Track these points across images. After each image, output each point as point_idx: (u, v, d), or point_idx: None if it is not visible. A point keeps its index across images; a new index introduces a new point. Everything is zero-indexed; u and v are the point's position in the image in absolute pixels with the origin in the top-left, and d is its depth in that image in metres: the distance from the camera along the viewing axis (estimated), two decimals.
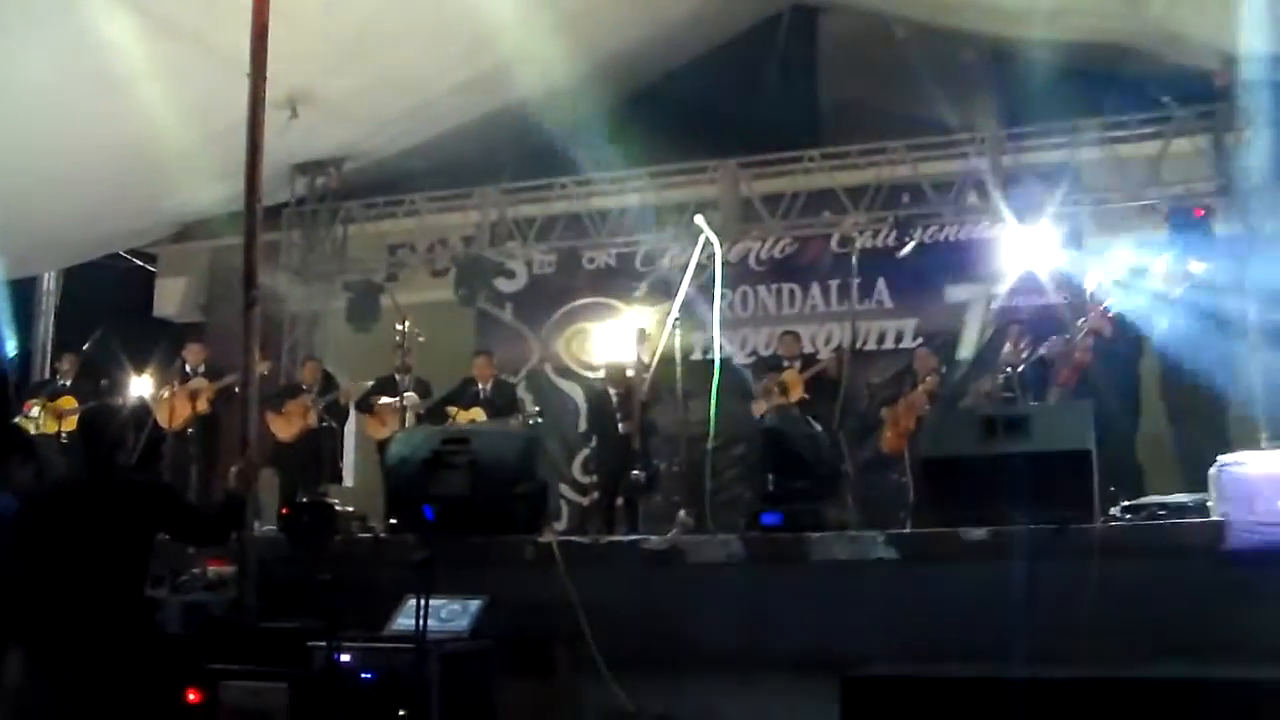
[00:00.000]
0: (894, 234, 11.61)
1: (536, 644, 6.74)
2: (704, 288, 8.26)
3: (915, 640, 6.32)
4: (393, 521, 7.69)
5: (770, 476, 7.36)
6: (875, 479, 11.41)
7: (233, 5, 6.82)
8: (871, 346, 12.52)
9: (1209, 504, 6.86)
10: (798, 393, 11.12)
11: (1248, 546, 6.11)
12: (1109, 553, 6.23)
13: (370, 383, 11.89)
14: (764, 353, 12.55)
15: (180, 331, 13.56)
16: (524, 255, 13.21)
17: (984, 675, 5.51)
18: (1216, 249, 10.38)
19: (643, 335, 9.83)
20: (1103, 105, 11.15)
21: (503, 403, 11.66)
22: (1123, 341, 9.60)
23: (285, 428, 11.64)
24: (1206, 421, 9.30)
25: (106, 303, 14.03)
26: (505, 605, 6.64)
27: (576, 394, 13.57)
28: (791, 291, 13.05)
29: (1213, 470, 6.83)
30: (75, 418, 11.15)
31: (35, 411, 11.65)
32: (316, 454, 11.80)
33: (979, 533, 6.55)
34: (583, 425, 13.10)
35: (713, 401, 7.85)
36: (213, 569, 7.50)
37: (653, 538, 7.54)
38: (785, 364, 11.52)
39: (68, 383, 11.91)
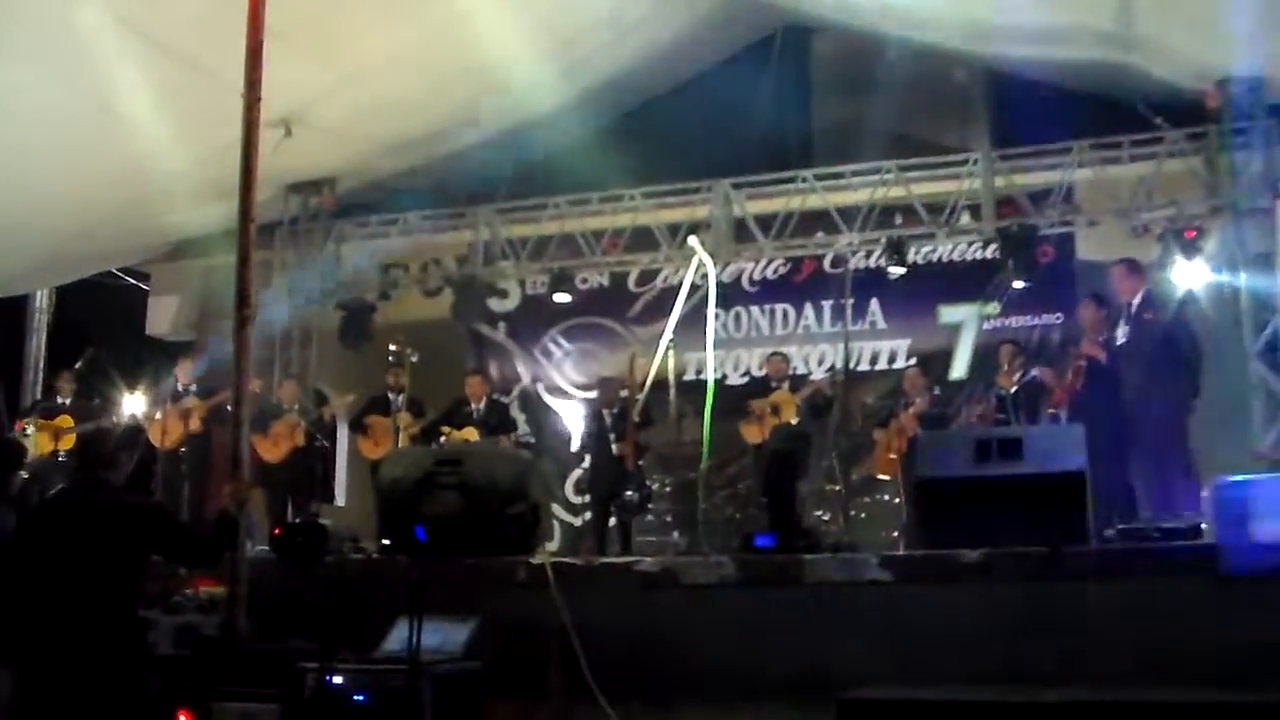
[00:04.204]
0: (887, 254, 11.57)
1: (529, 666, 6.72)
2: (697, 308, 8.25)
3: (910, 662, 6.31)
4: (385, 542, 7.65)
5: (767, 498, 7.37)
6: (868, 500, 11.40)
7: (227, 27, 6.82)
8: (865, 367, 12.55)
9: (1203, 526, 6.88)
10: (790, 414, 11.11)
11: (1243, 568, 6.11)
12: (1103, 575, 6.23)
13: (352, 397, 11.90)
14: (757, 373, 12.50)
15: (173, 350, 13.51)
16: (517, 275, 13.20)
17: (979, 698, 5.49)
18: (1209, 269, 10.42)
19: (636, 355, 9.82)
20: (1095, 126, 11.17)
21: (496, 422, 11.65)
22: (1116, 362, 9.60)
23: (271, 449, 11.54)
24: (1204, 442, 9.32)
25: (99, 321, 14.00)
26: (498, 627, 6.63)
27: (569, 414, 13.56)
28: (785, 312, 13.06)
29: (1206, 492, 6.84)
30: (72, 436, 11.21)
31: (29, 430, 11.58)
32: (309, 474, 11.76)
33: (973, 555, 6.55)
34: (575, 445, 13.10)
35: (706, 422, 7.83)
36: (204, 590, 7.48)
37: (646, 559, 7.54)
38: (774, 385, 11.51)
39: (66, 401, 11.82)
